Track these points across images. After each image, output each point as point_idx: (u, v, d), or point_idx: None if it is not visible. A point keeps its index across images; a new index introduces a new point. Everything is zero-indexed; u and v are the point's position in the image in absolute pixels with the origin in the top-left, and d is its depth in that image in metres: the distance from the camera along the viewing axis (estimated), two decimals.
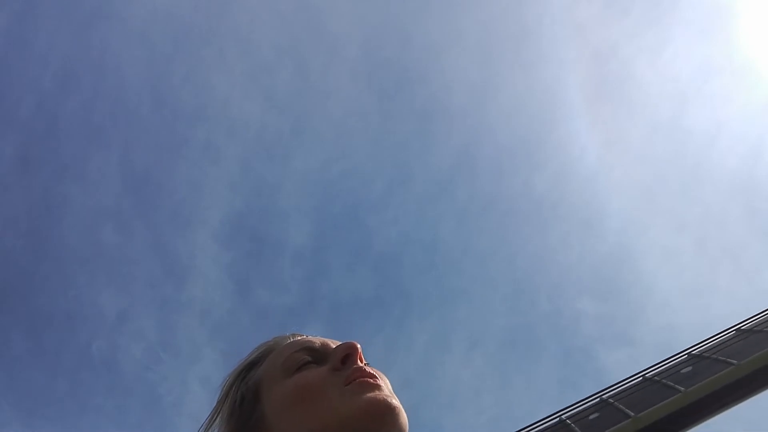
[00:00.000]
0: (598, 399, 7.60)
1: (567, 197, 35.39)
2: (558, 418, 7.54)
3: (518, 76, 34.35)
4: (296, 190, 35.34)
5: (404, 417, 0.96)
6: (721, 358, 7.43)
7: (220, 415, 1.11)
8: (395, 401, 0.97)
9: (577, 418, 7.41)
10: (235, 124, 33.31)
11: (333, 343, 1.10)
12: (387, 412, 0.94)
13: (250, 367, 1.14)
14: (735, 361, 7.20)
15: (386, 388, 1.00)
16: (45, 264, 31.38)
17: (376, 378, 1.00)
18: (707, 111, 33.89)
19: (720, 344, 7.95)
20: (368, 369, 1.01)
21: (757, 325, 8.09)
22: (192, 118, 32.96)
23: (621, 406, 7.25)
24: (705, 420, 7.10)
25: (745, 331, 8.05)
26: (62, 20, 29.61)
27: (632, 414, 6.97)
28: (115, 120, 31.46)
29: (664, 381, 7.45)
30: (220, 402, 1.13)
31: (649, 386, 7.52)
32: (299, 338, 1.15)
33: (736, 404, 7.16)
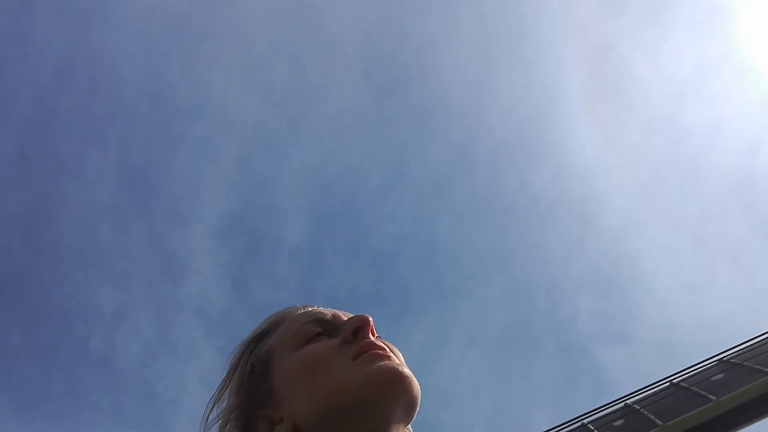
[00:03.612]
0: (623, 404, 7.21)
1: (565, 195, 35.34)
2: (580, 423, 7.16)
3: (516, 74, 34.33)
4: (293, 187, 35.25)
5: (417, 386, 0.94)
6: (755, 366, 7.04)
7: (229, 386, 1.09)
8: (406, 370, 0.95)
9: (600, 423, 7.02)
10: (231, 121, 33.25)
11: (344, 316, 1.08)
12: (397, 380, 0.92)
13: (260, 338, 1.11)
14: None
15: (397, 359, 0.98)
16: (42, 261, 31.35)
17: (386, 350, 0.98)
18: (706, 109, 34.01)
19: (753, 351, 7.54)
20: (379, 342, 1.00)
21: None
22: (189, 115, 33.07)
23: (647, 413, 6.87)
24: (736, 431, 6.73)
25: None
26: (59, 16, 29.73)
27: (660, 422, 6.59)
28: (112, 117, 31.51)
29: (693, 388, 7.06)
30: (230, 373, 1.11)
31: (678, 393, 7.13)
32: (310, 310, 1.13)
33: None
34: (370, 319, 1.02)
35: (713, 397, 6.67)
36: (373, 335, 1.02)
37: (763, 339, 7.79)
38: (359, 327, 1.00)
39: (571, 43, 33.74)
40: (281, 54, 34.33)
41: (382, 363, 0.94)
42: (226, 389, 1.10)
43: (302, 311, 1.13)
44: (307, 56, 33.71)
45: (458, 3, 33.58)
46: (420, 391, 0.95)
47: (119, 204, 31.55)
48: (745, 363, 7.15)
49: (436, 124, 35.33)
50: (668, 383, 7.42)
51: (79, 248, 30.82)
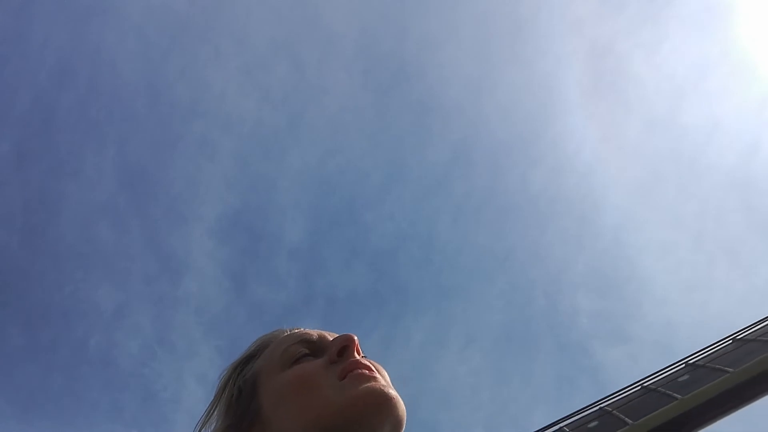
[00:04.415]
0: (598, 408, 7.78)
1: (563, 193, 35.25)
2: (558, 428, 7.71)
3: (515, 71, 34.38)
4: (292, 186, 35.22)
5: (402, 407, 0.96)
6: (717, 366, 7.61)
7: (217, 408, 1.11)
8: (392, 391, 0.96)
9: (576, 425, 7.59)
10: (230, 120, 33.35)
11: (330, 336, 1.10)
12: (383, 401, 0.94)
13: (247, 360, 1.14)
14: (730, 369, 7.38)
15: (383, 379, 1.00)
16: (41, 260, 31.40)
17: (372, 370, 0.99)
18: (704, 107, 34.01)
19: (717, 353, 8.12)
20: (364, 361, 1.01)
21: (753, 335, 8.27)
22: (188, 114, 33.12)
23: (620, 414, 7.42)
24: (702, 427, 7.26)
25: (740, 340, 8.23)
26: (58, 15, 29.80)
27: (630, 421, 7.14)
28: (111, 116, 31.52)
29: (661, 390, 7.62)
30: (218, 395, 1.13)
31: (648, 395, 7.70)
32: (296, 331, 1.14)
33: (733, 411, 7.33)
34: (356, 338, 1.03)
35: (678, 396, 7.23)
36: (359, 354, 1.03)
37: (727, 341, 8.37)
38: (345, 346, 1.01)
39: (569, 40, 33.86)
40: (280, 53, 34.62)
41: (368, 384, 0.95)
42: (213, 411, 1.11)
43: (289, 333, 1.14)
44: (305, 55, 33.94)
45: (457, 1, 33.85)
46: (405, 412, 0.96)
47: (118, 203, 31.77)
48: (708, 364, 7.73)
49: (435, 121, 35.43)
50: (639, 386, 7.98)
51: (78, 247, 31.02)
